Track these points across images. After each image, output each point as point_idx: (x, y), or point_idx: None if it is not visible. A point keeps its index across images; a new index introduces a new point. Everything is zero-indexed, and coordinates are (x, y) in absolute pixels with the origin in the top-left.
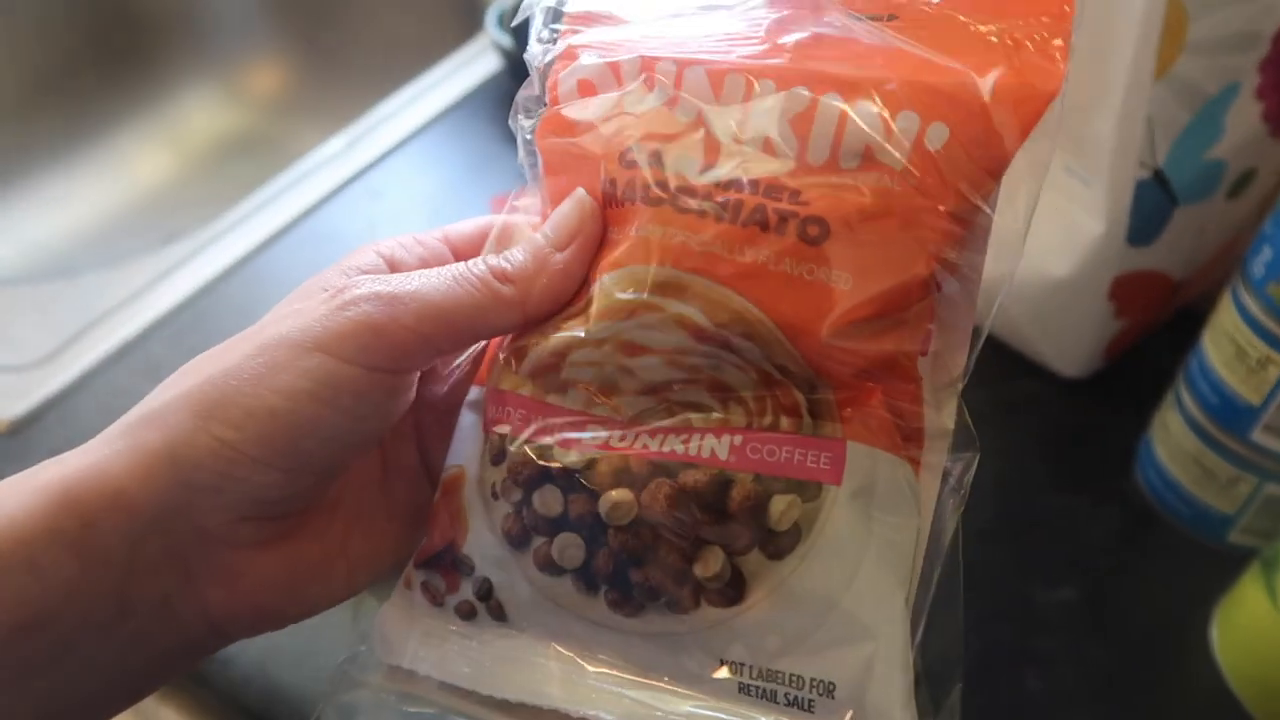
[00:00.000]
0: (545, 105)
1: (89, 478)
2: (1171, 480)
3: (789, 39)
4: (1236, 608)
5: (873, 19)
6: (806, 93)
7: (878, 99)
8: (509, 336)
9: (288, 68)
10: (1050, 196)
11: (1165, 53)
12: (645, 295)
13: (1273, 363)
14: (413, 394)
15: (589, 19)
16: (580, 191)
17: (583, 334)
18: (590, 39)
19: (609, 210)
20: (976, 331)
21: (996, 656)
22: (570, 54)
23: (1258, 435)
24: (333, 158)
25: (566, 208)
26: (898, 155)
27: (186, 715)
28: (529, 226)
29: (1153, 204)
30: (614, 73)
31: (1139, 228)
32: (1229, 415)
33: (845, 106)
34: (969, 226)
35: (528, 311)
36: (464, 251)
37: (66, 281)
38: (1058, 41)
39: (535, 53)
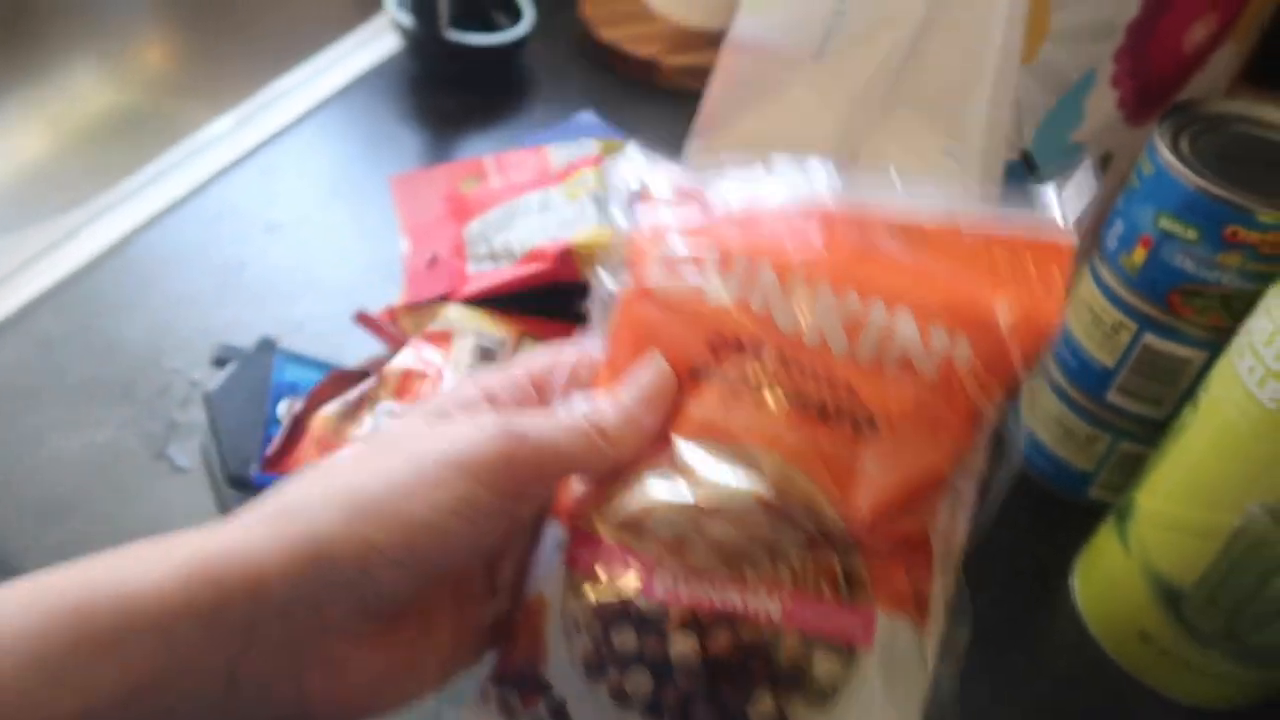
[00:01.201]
0: (629, 272)
1: (230, 556)
2: (1036, 440)
3: (843, 247)
4: (1094, 558)
5: (907, 235)
6: (857, 299)
7: (915, 313)
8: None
9: (177, 44)
10: (932, 178)
11: (1031, 39)
12: (725, 469)
13: (1125, 328)
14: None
15: (677, 199)
16: (660, 360)
17: (667, 495)
18: (675, 222)
19: (688, 381)
20: None
21: None
22: (657, 234)
23: (1112, 396)
24: (227, 134)
25: (651, 376)
26: (931, 368)
27: None
28: (593, 367)
29: (1020, 185)
30: (695, 260)
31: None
32: (1086, 378)
33: (889, 316)
34: (980, 433)
35: (617, 463)
36: (540, 384)
37: None
38: (1056, 272)
39: (622, 225)
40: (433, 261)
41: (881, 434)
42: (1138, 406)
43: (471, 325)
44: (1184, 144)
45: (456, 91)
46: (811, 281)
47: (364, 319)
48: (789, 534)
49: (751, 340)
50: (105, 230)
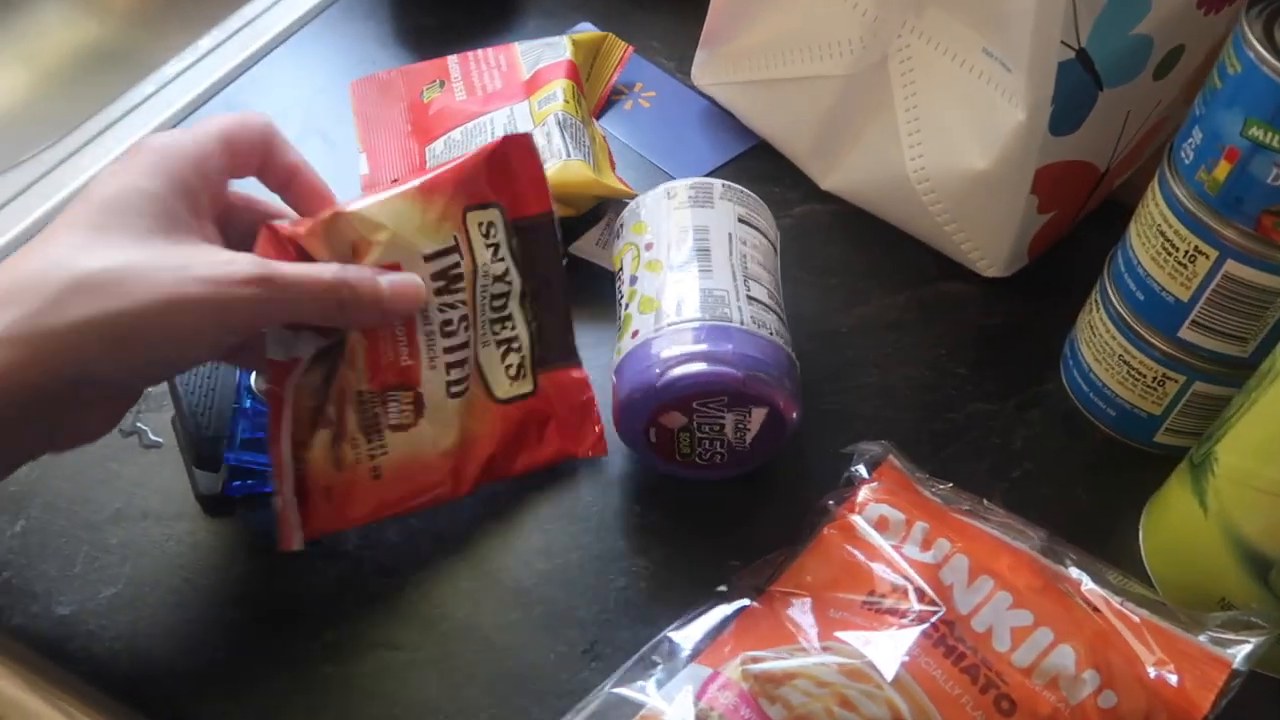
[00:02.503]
0: (839, 504)
1: None
2: (1096, 382)
3: (1032, 576)
4: (1163, 513)
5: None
6: (1030, 618)
7: (1077, 650)
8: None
9: None
10: (969, 82)
11: None
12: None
13: (1202, 255)
14: None
15: (887, 490)
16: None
17: (812, 667)
18: (887, 497)
19: (866, 609)
20: None
21: None
22: (873, 497)
23: (1185, 332)
24: (193, 65)
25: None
26: (1073, 697)
27: (52, 698)
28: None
29: (1076, 88)
30: (905, 526)
31: (1062, 114)
32: (1156, 312)
33: (1053, 644)
34: None
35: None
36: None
37: None
38: (1206, 693)
39: (842, 484)
40: (394, 184)
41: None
42: (1216, 344)
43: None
44: (1279, 35)
45: (439, 9)
46: (999, 588)
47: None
48: None
49: (928, 599)
50: (72, 172)
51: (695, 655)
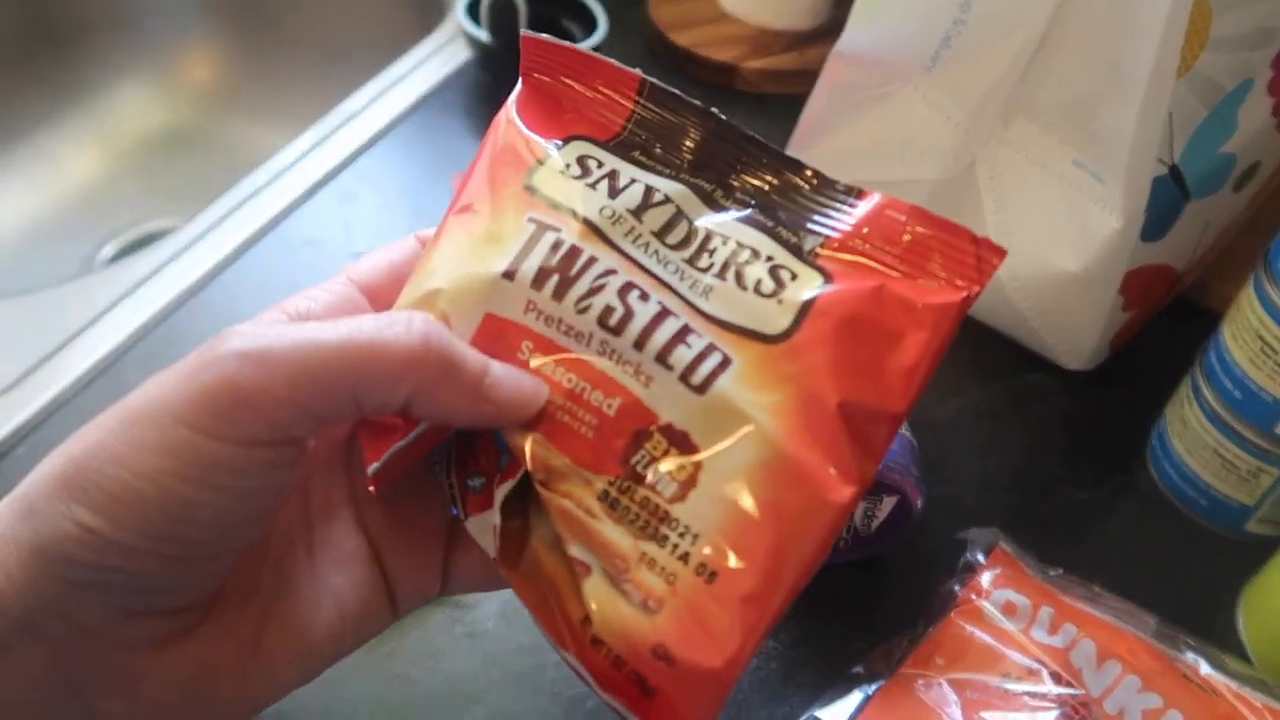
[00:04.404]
0: (961, 588)
1: None
2: (1189, 472)
3: (1156, 661)
4: (1265, 597)
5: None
6: (1159, 700)
7: None
8: None
9: (224, 58)
10: (1059, 190)
11: (1189, 49)
12: None
13: None
14: (305, 458)
15: (1007, 576)
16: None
17: None
18: (1010, 582)
19: (1001, 692)
20: None
21: None
22: (998, 582)
23: None
24: (299, 158)
25: (534, 385)
26: None
27: None
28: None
29: (1167, 200)
30: (1031, 611)
31: (1152, 223)
32: (1253, 409)
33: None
34: None
35: (414, 401)
36: (380, 296)
37: (10, 299)
38: None
39: (960, 569)
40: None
41: None
42: None
43: None
44: None
45: None
46: (1126, 671)
47: None
48: None
49: (1064, 681)
50: (186, 267)
51: None
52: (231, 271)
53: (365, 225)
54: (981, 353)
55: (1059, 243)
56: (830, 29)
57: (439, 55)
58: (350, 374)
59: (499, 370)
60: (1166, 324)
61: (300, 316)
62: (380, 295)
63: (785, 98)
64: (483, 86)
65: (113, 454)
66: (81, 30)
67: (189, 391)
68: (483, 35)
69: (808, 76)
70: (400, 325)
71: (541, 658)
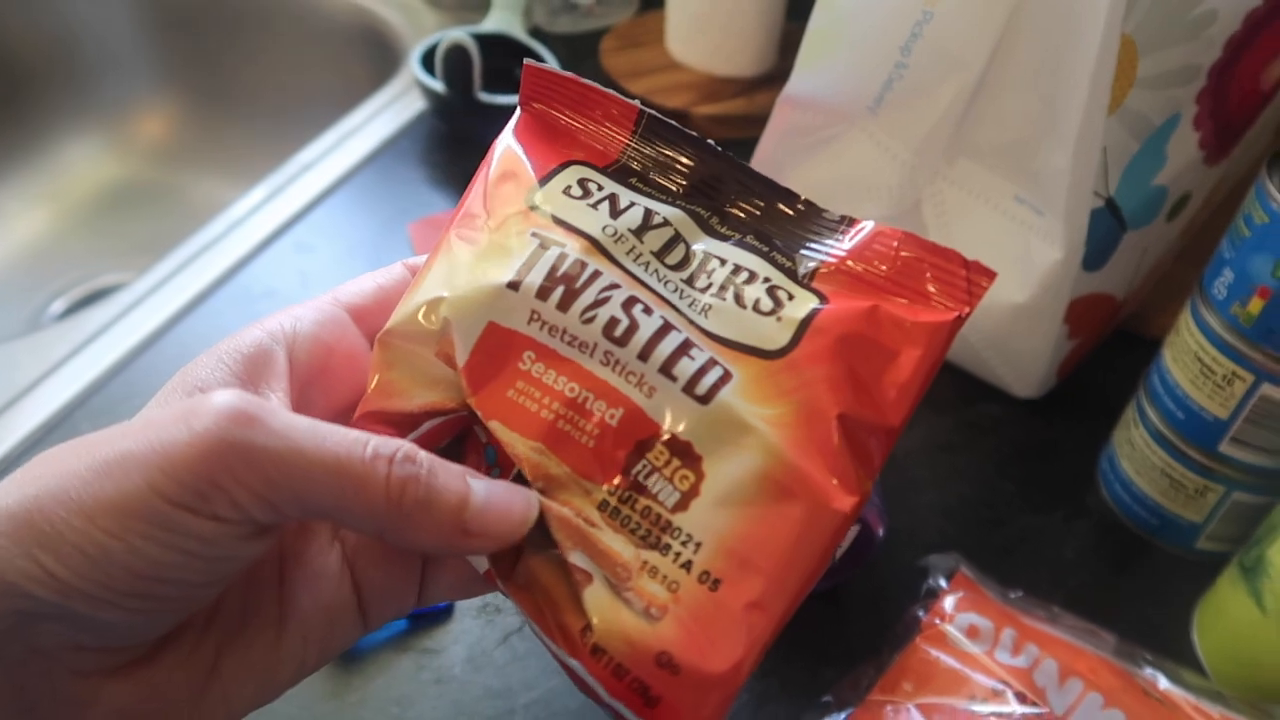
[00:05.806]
0: (925, 613)
1: None
2: (1139, 493)
3: (1118, 679)
4: (1218, 613)
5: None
6: (1123, 716)
7: None
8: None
9: (177, 113)
10: (1002, 224)
11: (1118, 87)
12: None
13: (1239, 379)
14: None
15: (969, 600)
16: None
17: None
18: (972, 606)
19: (968, 714)
20: None
21: None
22: (960, 606)
23: (1225, 447)
24: (254, 210)
25: (527, 502)
26: None
27: None
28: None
29: (1105, 230)
30: (994, 633)
31: (1092, 253)
32: (1196, 429)
33: None
34: None
35: (400, 524)
36: (366, 318)
37: None
38: None
39: (923, 594)
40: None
41: None
42: (1254, 457)
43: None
44: None
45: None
46: (1088, 689)
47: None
48: None
49: (1029, 701)
50: (141, 320)
51: None
52: (186, 323)
53: (322, 275)
54: (935, 385)
55: (1005, 275)
56: (776, 75)
57: (394, 106)
58: (331, 497)
59: (483, 494)
60: (1110, 353)
61: (284, 336)
62: (367, 318)
63: (736, 142)
64: (438, 135)
65: (79, 506)
66: (30, 85)
67: (163, 457)
68: (437, 85)
69: (757, 121)
70: (382, 466)
71: (510, 702)
